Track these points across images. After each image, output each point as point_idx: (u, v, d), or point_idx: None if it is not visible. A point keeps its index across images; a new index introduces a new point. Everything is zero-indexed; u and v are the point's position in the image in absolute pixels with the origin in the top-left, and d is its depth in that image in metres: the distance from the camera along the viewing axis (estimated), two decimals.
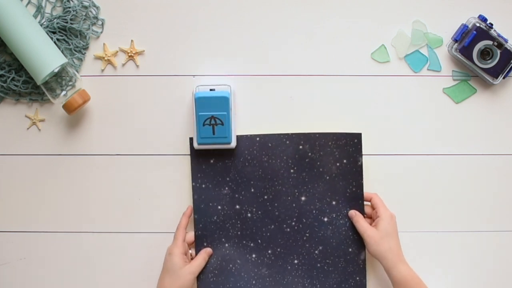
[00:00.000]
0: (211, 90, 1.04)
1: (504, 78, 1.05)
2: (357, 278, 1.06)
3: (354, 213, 1.05)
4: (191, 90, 1.05)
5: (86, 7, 1.06)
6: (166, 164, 1.07)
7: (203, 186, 1.06)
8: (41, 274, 1.08)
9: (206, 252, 1.05)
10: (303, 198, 1.06)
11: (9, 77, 1.06)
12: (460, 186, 1.07)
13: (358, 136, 1.06)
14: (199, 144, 1.04)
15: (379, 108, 1.07)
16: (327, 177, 1.05)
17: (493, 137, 1.07)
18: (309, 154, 1.05)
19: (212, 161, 1.06)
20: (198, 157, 1.06)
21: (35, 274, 1.08)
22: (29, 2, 1.06)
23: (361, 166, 1.05)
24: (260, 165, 1.05)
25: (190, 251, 1.06)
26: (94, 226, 1.08)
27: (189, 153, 1.07)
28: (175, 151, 1.07)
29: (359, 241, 1.05)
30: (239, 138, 1.05)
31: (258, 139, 1.06)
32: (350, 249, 1.06)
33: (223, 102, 1.03)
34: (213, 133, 1.03)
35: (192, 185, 1.06)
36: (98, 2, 1.07)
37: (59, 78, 1.04)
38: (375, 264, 1.06)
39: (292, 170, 1.06)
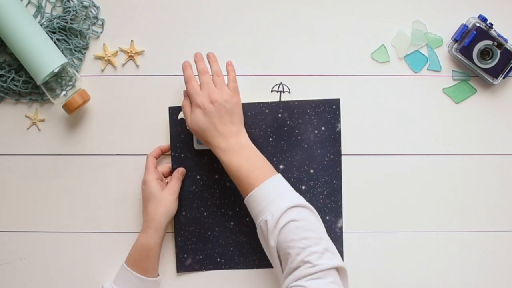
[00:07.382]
0: None
1: (504, 78, 1.05)
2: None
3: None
4: None
5: (86, 7, 1.06)
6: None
7: (182, 155, 1.05)
8: (41, 274, 1.08)
9: (179, 172, 1.05)
10: (281, 167, 1.06)
11: (9, 77, 1.06)
12: (460, 186, 1.07)
13: (336, 102, 1.06)
14: (199, 143, 1.04)
15: (379, 108, 1.07)
16: (305, 145, 1.06)
17: (493, 137, 1.07)
18: (288, 122, 1.06)
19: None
20: (177, 126, 1.05)
21: (35, 274, 1.08)
22: (29, 2, 1.06)
23: (339, 132, 1.06)
24: None
25: (166, 180, 1.05)
26: (94, 226, 1.08)
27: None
28: None
29: (336, 209, 1.06)
30: None
31: None
32: (327, 217, 1.06)
33: None
34: None
35: (171, 155, 1.06)
36: (98, 2, 1.07)
37: (59, 78, 1.03)
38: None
39: (271, 139, 1.06)
